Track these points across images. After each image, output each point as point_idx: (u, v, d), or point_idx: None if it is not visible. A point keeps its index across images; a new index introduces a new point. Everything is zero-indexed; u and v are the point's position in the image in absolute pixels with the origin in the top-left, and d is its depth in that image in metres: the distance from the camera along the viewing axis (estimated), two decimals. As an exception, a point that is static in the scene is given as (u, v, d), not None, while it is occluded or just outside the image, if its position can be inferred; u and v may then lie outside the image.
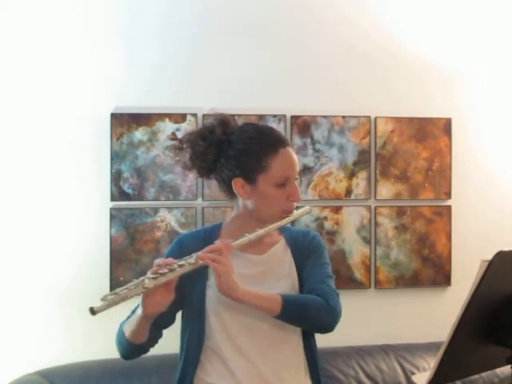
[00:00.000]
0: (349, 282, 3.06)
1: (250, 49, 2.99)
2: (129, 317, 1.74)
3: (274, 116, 2.98)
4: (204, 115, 2.87)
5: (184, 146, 1.83)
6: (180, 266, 1.60)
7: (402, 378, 2.90)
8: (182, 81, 2.92)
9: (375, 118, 3.10)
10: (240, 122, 1.90)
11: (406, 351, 2.99)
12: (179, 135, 2.88)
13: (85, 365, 2.71)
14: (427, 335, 3.03)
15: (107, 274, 2.80)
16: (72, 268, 2.79)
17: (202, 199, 2.93)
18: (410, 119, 3.13)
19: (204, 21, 2.95)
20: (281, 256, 1.83)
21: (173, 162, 2.88)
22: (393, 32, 3.11)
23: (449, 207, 3.18)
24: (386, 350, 2.99)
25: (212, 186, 2.88)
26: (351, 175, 3.08)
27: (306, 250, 1.84)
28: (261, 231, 1.73)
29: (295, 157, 1.79)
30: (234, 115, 1.91)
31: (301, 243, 1.85)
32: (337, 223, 3.05)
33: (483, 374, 2.85)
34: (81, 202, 2.82)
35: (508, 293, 1.69)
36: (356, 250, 3.08)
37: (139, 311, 1.63)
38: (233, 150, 1.77)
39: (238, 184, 1.76)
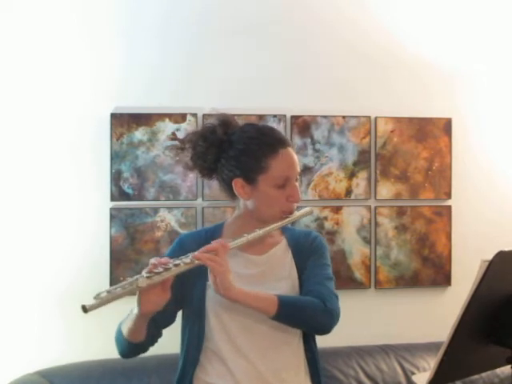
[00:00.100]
0: (349, 282, 3.06)
1: (250, 49, 2.99)
2: (128, 315, 1.74)
3: (274, 116, 2.98)
4: (204, 115, 2.87)
5: (185, 146, 1.84)
6: (175, 265, 1.60)
7: (402, 378, 2.90)
8: (182, 81, 2.92)
9: (375, 118, 3.10)
10: (240, 122, 1.90)
11: (406, 351, 2.99)
12: (179, 135, 2.88)
13: (85, 365, 2.71)
14: (427, 335, 3.03)
15: (107, 274, 2.80)
16: (72, 268, 2.79)
17: (202, 199, 2.93)
18: (410, 119, 3.13)
19: (204, 21, 2.95)
20: (281, 257, 1.83)
21: (173, 162, 2.88)
22: (393, 32, 3.11)
23: (449, 207, 3.18)
24: (386, 350, 2.99)
25: (212, 186, 2.88)
26: (351, 175, 3.08)
27: (307, 251, 1.83)
28: (259, 232, 1.72)
29: (296, 157, 1.79)
30: (233, 115, 1.91)
31: (302, 244, 1.85)
32: (337, 223, 3.05)
33: (483, 374, 2.85)
34: (81, 202, 2.82)
35: (508, 293, 1.69)
36: (356, 250, 3.08)
37: (135, 310, 1.63)
38: (233, 150, 1.77)
39: (238, 184, 1.76)
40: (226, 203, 2.86)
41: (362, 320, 3.05)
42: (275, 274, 1.80)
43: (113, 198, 2.85)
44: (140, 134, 2.87)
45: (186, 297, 1.78)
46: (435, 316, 3.08)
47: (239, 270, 1.74)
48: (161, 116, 2.88)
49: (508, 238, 3.08)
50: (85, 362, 2.73)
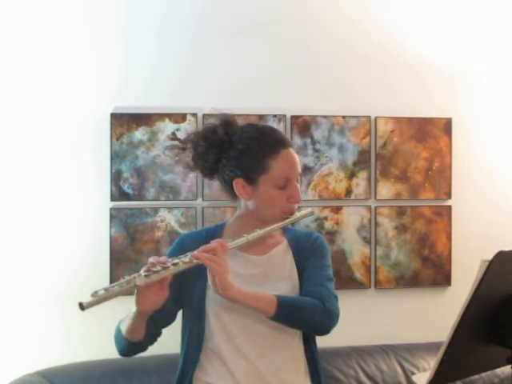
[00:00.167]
0: (349, 282, 3.06)
1: (250, 49, 2.99)
2: (127, 314, 1.74)
3: (274, 116, 2.98)
4: (204, 115, 2.87)
5: (186, 146, 1.84)
6: (174, 264, 1.60)
7: (402, 378, 2.90)
8: (182, 81, 2.92)
9: (375, 118, 3.10)
10: (240, 122, 1.89)
11: (406, 351, 2.99)
12: (179, 135, 2.88)
13: (85, 365, 2.71)
14: (427, 335, 3.03)
15: (107, 274, 2.80)
16: (72, 268, 2.79)
17: (202, 199, 2.92)
18: (410, 119, 3.13)
19: (204, 21, 2.95)
20: (282, 257, 1.83)
21: (173, 162, 2.88)
22: (393, 32, 3.11)
23: (449, 207, 3.18)
24: (386, 350, 2.99)
25: (212, 186, 2.88)
26: (351, 175, 3.08)
27: (307, 251, 1.83)
28: (259, 232, 1.72)
29: (297, 158, 1.79)
30: (233, 115, 1.90)
31: (303, 244, 1.84)
32: (337, 223, 3.05)
33: (483, 374, 2.84)
34: (81, 202, 2.82)
35: (508, 293, 1.69)
36: (356, 250, 3.07)
37: (133, 308, 1.63)
38: (234, 150, 1.77)
39: (238, 184, 1.76)
40: (226, 203, 2.87)
41: (362, 320, 3.05)
42: (276, 275, 1.80)
43: (113, 198, 2.85)
44: (140, 133, 2.87)
45: (186, 297, 1.78)
46: (435, 316, 3.08)
47: (239, 270, 1.74)
48: (161, 116, 2.88)
49: (508, 238, 3.08)
50: (85, 362, 2.73)
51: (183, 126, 2.90)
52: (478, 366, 1.82)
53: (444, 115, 3.17)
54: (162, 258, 1.62)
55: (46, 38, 2.78)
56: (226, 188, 1.82)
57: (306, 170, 3.01)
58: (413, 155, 3.13)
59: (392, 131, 3.11)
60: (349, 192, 3.07)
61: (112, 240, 2.84)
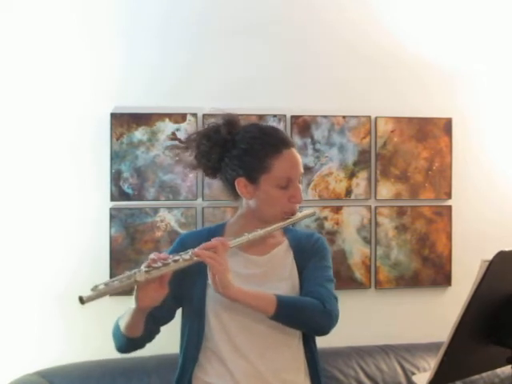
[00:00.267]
0: (349, 282, 3.05)
1: (250, 49, 2.99)
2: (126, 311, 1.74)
3: (274, 116, 2.98)
4: (204, 115, 2.88)
5: (189, 145, 1.84)
6: (174, 261, 1.60)
7: (403, 379, 2.90)
8: (182, 81, 2.92)
9: (375, 118, 3.10)
10: (241, 122, 1.89)
11: (406, 351, 2.99)
12: (179, 135, 2.88)
13: (85, 365, 2.71)
14: (427, 335, 3.03)
15: (107, 274, 2.80)
16: (72, 268, 2.78)
17: (202, 199, 2.92)
18: (411, 119, 3.13)
19: (204, 21, 2.95)
20: (283, 257, 1.83)
21: (173, 162, 2.88)
22: (393, 32, 3.11)
23: (449, 207, 3.17)
24: (386, 350, 2.99)
25: (212, 186, 2.88)
26: (351, 175, 3.07)
27: (308, 252, 1.83)
28: (260, 232, 1.72)
29: (299, 158, 1.79)
30: (237, 115, 1.90)
31: (304, 245, 1.84)
32: (337, 223, 3.05)
33: (484, 375, 2.84)
34: (81, 202, 2.82)
35: (508, 293, 1.69)
36: (356, 250, 3.07)
37: (133, 304, 1.63)
38: (236, 149, 1.77)
39: (240, 184, 1.76)
40: (226, 203, 2.87)
41: (362, 320, 3.05)
42: (276, 275, 1.80)
43: (113, 198, 2.85)
44: (140, 133, 2.87)
45: (186, 295, 1.78)
46: (435, 316, 3.07)
47: (240, 270, 1.74)
48: (161, 116, 2.88)
49: (508, 237, 3.08)
50: (85, 362, 2.73)
51: (183, 125, 2.90)
52: (479, 366, 1.82)
53: (444, 115, 3.17)
54: (163, 255, 1.62)
55: (45, 38, 2.78)
56: (227, 187, 1.82)
57: (306, 170, 3.00)
58: (413, 155, 3.13)
59: (392, 131, 3.11)
60: (349, 192, 3.07)
61: (112, 240, 2.84)
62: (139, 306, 1.61)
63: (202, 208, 2.92)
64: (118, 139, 2.85)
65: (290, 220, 1.78)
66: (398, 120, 3.12)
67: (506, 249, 1.59)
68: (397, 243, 3.12)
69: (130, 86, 2.87)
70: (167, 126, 2.89)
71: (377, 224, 3.10)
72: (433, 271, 3.16)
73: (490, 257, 1.57)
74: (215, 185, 2.84)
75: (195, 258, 1.61)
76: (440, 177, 3.16)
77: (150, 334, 1.75)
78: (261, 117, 2.94)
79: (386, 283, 3.11)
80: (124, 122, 2.85)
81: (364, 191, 3.09)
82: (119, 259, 2.82)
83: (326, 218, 3.04)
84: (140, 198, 2.87)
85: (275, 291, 1.71)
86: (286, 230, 1.87)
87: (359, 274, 3.08)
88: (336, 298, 1.77)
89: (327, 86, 3.06)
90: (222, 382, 1.75)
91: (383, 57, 3.10)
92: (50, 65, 2.79)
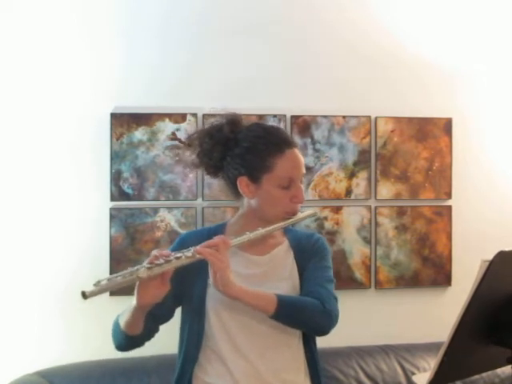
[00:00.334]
0: (349, 282, 3.05)
1: (250, 49, 2.99)
2: (126, 308, 1.74)
3: (274, 116, 2.98)
4: (204, 115, 2.88)
5: (192, 143, 1.84)
6: (177, 258, 1.60)
7: (403, 379, 2.90)
8: (182, 81, 2.92)
9: (375, 118, 3.10)
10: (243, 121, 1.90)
11: (406, 351, 2.99)
12: (179, 135, 2.88)
13: (85, 365, 2.71)
14: (427, 335, 3.03)
15: (107, 273, 2.79)
16: (72, 268, 2.78)
17: (202, 199, 2.92)
18: (411, 119, 3.13)
19: (204, 21, 2.95)
20: (283, 258, 1.83)
21: (173, 162, 2.88)
22: (393, 32, 3.11)
23: (449, 207, 3.17)
24: (386, 350, 2.99)
25: (212, 186, 2.88)
26: (351, 175, 3.07)
27: (308, 252, 1.83)
28: (261, 231, 1.73)
29: (301, 158, 1.80)
30: (240, 114, 1.90)
31: (304, 245, 1.85)
32: (337, 223, 3.05)
33: (484, 375, 2.84)
34: (81, 202, 2.82)
35: (508, 293, 1.69)
36: (356, 250, 3.07)
37: (133, 301, 1.63)
38: (239, 148, 1.77)
39: (242, 183, 1.77)
40: (226, 203, 2.88)
41: (362, 320, 3.05)
42: (277, 275, 1.80)
43: (113, 198, 2.85)
44: (140, 133, 2.87)
45: (186, 294, 1.78)
46: (435, 316, 3.07)
47: (240, 270, 1.74)
48: (161, 116, 2.88)
49: (508, 237, 3.08)
50: (84, 362, 2.73)
51: (183, 125, 2.90)
52: (479, 366, 1.81)
53: (444, 115, 3.17)
54: (165, 252, 1.62)
55: (46, 38, 2.78)
56: (229, 186, 1.83)
57: (306, 169, 2.97)
58: (413, 155, 3.13)
59: (392, 131, 3.11)
60: (349, 192, 3.07)
61: (112, 240, 2.84)
62: (140, 302, 1.61)
63: (202, 208, 2.92)
64: (117, 139, 2.85)
65: (291, 220, 1.78)
66: (398, 120, 3.12)
67: (506, 249, 1.59)
68: (397, 243, 3.12)
69: (129, 86, 2.87)
70: (167, 126, 2.89)
71: (377, 224, 3.10)
72: (433, 271, 3.16)
73: (490, 257, 1.57)
74: (215, 185, 2.86)
75: (197, 256, 1.61)
76: (440, 177, 3.16)
77: (149, 332, 1.75)
78: (261, 117, 2.94)
79: (386, 283, 3.11)
80: (124, 121, 2.85)
81: (364, 191, 3.09)
82: (119, 259, 2.82)
83: (326, 218, 3.04)
84: (140, 198, 2.87)
85: (275, 291, 1.71)
86: (286, 231, 1.87)
87: (359, 273, 3.08)
88: (336, 299, 1.77)
89: (327, 85, 3.06)
90: (221, 381, 1.75)
91: (383, 57, 3.10)
92: (50, 65, 2.79)
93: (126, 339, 1.71)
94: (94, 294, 1.50)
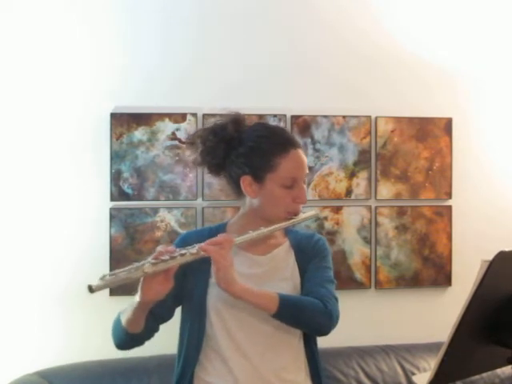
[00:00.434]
0: (349, 282, 3.05)
1: (250, 49, 2.98)
2: (128, 306, 1.74)
3: (274, 116, 2.98)
4: (204, 115, 2.88)
5: (195, 141, 1.84)
6: (181, 255, 1.60)
7: (403, 379, 2.90)
8: (182, 81, 2.92)
9: (376, 118, 3.09)
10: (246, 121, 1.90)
11: (406, 351, 2.98)
12: (179, 135, 2.88)
13: (85, 365, 2.71)
14: (428, 335, 3.03)
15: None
16: (72, 268, 2.78)
17: (202, 199, 2.92)
18: (411, 119, 3.13)
19: (204, 21, 2.95)
20: (284, 258, 1.83)
21: (173, 162, 2.88)
22: (393, 32, 3.11)
23: (449, 207, 3.17)
24: (386, 350, 2.99)
25: (212, 186, 2.88)
26: (351, 175, 3.07)
27: (309, 253, 1.84)
28: (264, 230, 1.73)
29: (305, 159, 1.80)
30: (243, 114, 1.90)
31: (305, 245, 1.85)
32: (337, 223, 3.05)
33: (484, 375, 2.84)
34: (81, 201, 2.82)
35: (509, 293, 1.69)
36: (356, 250, 3.07)
37: (136, 298, 1.63)
38: (243, 147, 1.77)
39: (245, 182, 1.77)
40: (226, 203, 2.88)
41: (363, 320, 3.05)
42: (278, 275, 1.80)
43: (113, 198, 2.85)
44: (140, 133, 2.87)
45: (187, 293, 1.78)
46: (436, 316, 3.07)
47: (242, 270, 1.73)
48: (161, 116, 2.88)
49: (508, 237, 3.08)
50: (85, 362, 2.72)
51: (183, 125, 2.89)
52: (479, 366, 1.81)
53: (444, 115, 3.17)
54: (170, 248, 1.63)
55: (46, 38, 2.78)
56: (231, 185, 1.83)
57: (306, 169, 3.00)
58: (413, 155, 3.13)
59: (392, 131, 3.11)
60: (349, 192, 3.07)
61: (112, 240, 2.83)
62: (143, 299, 1.61)
63: (202, 208, 2.92)
64: (117, 139, 2.85)
65: (294, 220, 1.79)
66: (398, 120, 3.12)
67: (506, 249, 1.59)
68: (397, 243, 3.12)
69: (129, 86, 2.87)
70: (167, 126, 2.89)
71: (377, 224, 3.10)
72: (433, 271, 3.15)
73: (490, 257, 1.57)
74: (215, 185, 2.86)
75: (201, 253, 1.62)
76: (440, 177, 3.16)
77: (149, 330, 1.75)
78: (261, 117, 2.94)
79: (386, 283, 3.11)
80: (124, 121, 2.85)
81: (364, 191, 3.08)
82: (119, 259, 2.82)
83: (326, 218, 3.03)
84: (140, 198, 2.87)
85: (277, 291, 1.71)
86: (286, 231, 1.88)
87: (359, 274, 3.07)
88: (336, 299, 1.77)
89: (327, 85, 3.06)
90: (222, 381, 1.75)
91: (383, 56, 3.10)
92: (50, 65, 2.79)
93: (127, 337, 1.71)
94: (100, 287, 1.51)
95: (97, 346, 2.67)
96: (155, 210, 2.87)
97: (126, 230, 2.84)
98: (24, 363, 2.67)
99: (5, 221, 2.75)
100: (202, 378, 1.77)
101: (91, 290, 1.50)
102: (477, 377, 2.77)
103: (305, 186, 1.80)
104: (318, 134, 3.04)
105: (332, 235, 3.03)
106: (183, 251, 1.61)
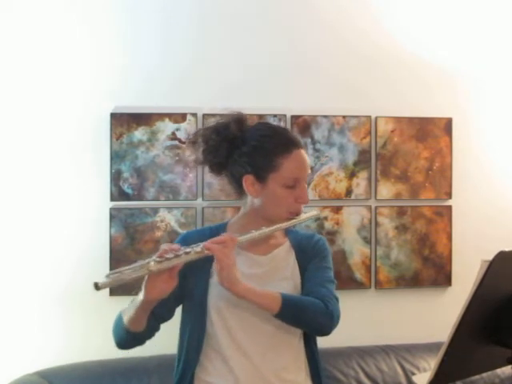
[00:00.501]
0: (349, 282, 3.05)
1: (250, 49, 2.98)
2: (129, 305, 1.73)
3: (274, 116, 2.98)
4: (204, 115, 2.88)
5: (197, 139, 1.84)
6: (186, 253, 1.60)
7: (403, 379, 2.90)
8: (182, 81, 2.92)
9: (376, 118, 3.09)
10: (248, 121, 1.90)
11: (406, 351, 2.98)
12: (179, 135, 2.88)
13: (85, 365, 2.71)
14: (428, 335, 3.03)
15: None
16: (72, 268, 2.78)
17: (202, 199, 2.92)
18: (411, 119, 3.13)
19: (204, 21, 2.95)
20: (284, 258, 1.84)
21: (173, 162, 2.88)
22: (393, 32, 3.11)
23: (449, 207, 3.17)
24: (386, 350, 2.99)
25: (212, 186, 2.88)
26: (351, 175, 3.07)
27: (309, 253, 1.84)
28: (266, 230, 1.73)
29: (307, 160, 1.81)
30: (245, 114, 1.90)
31: (305, 245, 1.85)
32: (337, 223, 3.05)
33: (484, 375, 2.84)
34: (81, 201, 2.82)
35: (509, 293, 1.69)
36: (356, 250, 3.07)
37: (140, 296, 1.63)
38: (246, 146, 1.77)
39: (248, 181, 1.77)
40: (226, 203, 2.88)
41: (363, 320, 3.05)
42: (278, 275, 1.81)
43: (113, 198, 2.85)
44: (140, 133, 2.87)
45: (187, 293, 1.77)
46: (436, 316, 3.07)
47: (243, 269, 1.73)
48: (161, 116, 2.88)
49: (508, 237, 3.08)
50: (85, 362, 2.72)
51: (183, 125, 2.89)
52: (479, 366, 1.81)
53: (444, 115, 3.17)
54: (175, 246, 1.63)
55: (46, 38, 2.78)
56: (233, 184, 1.83)
57: (306, 169, 3.00)
58: (413, 155, 3.13)
59: (392, 131, 3.11)
60: (349, 192, 3.07)
61: (112, 240, 2.83)
62: (147, 297, 1.61)
63: (202, 208, 2.92)
64: (117, 139, 2.85)
65: (294, 220, 1.79)
66: (398, 120, 3.12)
67: (506, 249, 1.59)
68: (397, 243, 3.12)
69: (129, 86, 2.87)
70: (167, 126, 2.88)
71: (377, 224, 3.10)
72: (433, 271, 3.15)
73: (490, 257, 1.57)
74: (215, 185, 2.86)
75: (206, 252, 1.62)
76: (440, 177, 3.16)
77: (151, 330, 1.75)
78: (261, 117, 2.94)
79: (386, 283, 3.11)
80: (124, 121, 2.85)
81: (364, 191, 3.08)
82: (119, 259, 2.82)
83: (326, 218, 3.03)
84: (140, 198, 2.87)
85: (278, 291, 1.71)
86: (287, 231, 1.88)
87: (359, 274, 3.07)
88: (337, 299, 1.77)
89: (327, 85, 3.06)
90: (223, 381, 1.75)
91: (383, 56, 3.10)
92: (50, 65, 2.79)
93: (129, 336, 1.71)
94: (106, 285, 1.51)
95: (97, 346, 2.67)
96: (155, 210, 2.87)
97: (125, 230, 2.84)
98: (24, 363, 2.67)
99: (5, 221, 2.75)
100: (202, 378, 1.77)
101: (97, 287, 1.50)
102: (477, 377, 2.77)
103: (306, 186, 1.80)
104: (318, 134, 3.04)
105: (332, 235, 3.03)
106: (188, 249, 1.61)
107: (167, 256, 1.58)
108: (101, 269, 2.79)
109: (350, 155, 3.07)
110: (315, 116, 3.03)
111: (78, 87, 2.82)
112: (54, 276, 2.78)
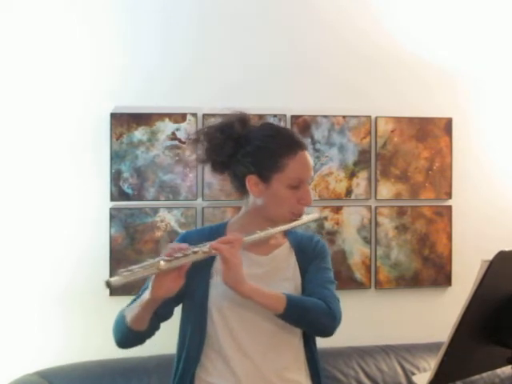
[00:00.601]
0: (349, 282, 3.05)
1: (250, 48, 2.98)
2: (129, 304, 1.73)
3: (274, 116, 2.98)
4: (204, 115, 2.88)
5: (200, 138, 1.83)
6: (194, 252, 1.60)
7: (403, 379, 2.90)
8: (182, 81, 2.92)
9: (376, 118, 3.09)
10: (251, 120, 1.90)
11: (406, 352, 2.98)
12: (179, 135, 2.88)
13: (84, 365, 2.71)
14: (428, 335, 3.03)
15: (107, 274, 2.79)
16: (72, 268, 2.78)
17: (202, 199, 2.92)
18: (411, 119, 3.13)
19: (204, 21, 2.95)
20: (285, 258, 1.84)
21: (173, 162, 2.88)
22: (393, 32, 3.11)
23: (449, 207, 3.17)
24: (386, 350, 2.99)
25: (212, 186, 2.88)
26: (351, 175, 3.07)
27: (309, 254, 1.84)
28: (271, 230, 1.73)
29: (311, 161, 1.81)
30: (249, 114, 1.90)
31: (305, 247, 1.86)
32: (337, 223, 3.05)
33: (484, 375, 2.84)
34: (81, 201, 2.82)
35: (509, 293, 1.69)
36: (356, 250, 3.07)
37: (146, 295, 1.62)
38: (251, 146, 1.77)
39: (251, 181, 1.77)
40: (226, 203, 2.88)
41: (363, 320, 3.05)
42: (279, 275, 1.81)
43: (113, 198, 2.85)
44: (140, 133, 2.87)
45: (188, 292, 1.77)
46: (436, 316, 3.07)
47: (244, 270, 1.73)
48: (161, 116, 2.88)
49: (508, 237, 3.08)
50: (85, 362, 2.72)
51: (183, 125, 2.89)
52: (479, 366, 1.81)
53: (444, 115, 3.17)
54: (183, 245, 1.62)
55: (46, 38, 2.78)
56: (235, 184, 1.83)
57: (306, 169, 3.00)
58: (413, 155, 3.13)
59: (392, 131, 3.11)
60: (349, 192, 3.07)
61: (112, 240, 2.83)
62: (154, 295, 1.61)
63: (202, 208, 2.92)
64: (117, 139, 2.85)
65: (297, 222, 1.79)
66: (398, 120, 3.12)
67: (506, 249, 1.59)
68: (397, 243, 3.12)
69: (129, 86, 2.87)
70: (167, 126, 2.88)
71: (377, 224, 3.10)
72: (433, 271, 3.15)
73: (490, 257, 1.57)
74: (215, 185, 2.86)
75: (213, 251, 1.62)
76: (440, 177, 3.16)
77: (152, 329, 1.75)
78: (261, 117, 2.94)
79: (386, 283, 3.11)
80: (124, 121, 2.85)
81: (364, 191, 3.08)
82: (119, 259, 2.82)
83: (326, 218, 3.03)
84: (140, 197, 2.87)
85: (279, 291, 1.71)
86: (286, 232, 1.88)
87: (359, 274, 3.07)
88: (338, 300, 1.78)
89: (327, 85, 3.06)
90: (224, 381, 1.74)
91: (383, 56, 3.10)
92: (50, 65, 2.78)
93: (131, 334, 1.70)
94: (118, 283, 1.50)
95: (97, 346, 2.67)
96: (155, 210, 2.87)
97: (126, 230, 2.84)
98: (24, 363, 2.67)
99: (5, 221, 2.75)
100: (203, 378, 1.77)
101: (109, 285, 1.50)
102: (477, 377, 2.77)
103: (310, 188, 1.80)
104: (318, 133, 3.04)
105: (332, 235, 3.03)
106: (196, 249, 1.61)
107: (176, 255, 1.58)
108: (101, 269, 2.79)
109: (350, 155, 3.07)
110: (315, 116, 3.03)
111: (78, 87, 2.82)
112: (54, 276, 2.78)
